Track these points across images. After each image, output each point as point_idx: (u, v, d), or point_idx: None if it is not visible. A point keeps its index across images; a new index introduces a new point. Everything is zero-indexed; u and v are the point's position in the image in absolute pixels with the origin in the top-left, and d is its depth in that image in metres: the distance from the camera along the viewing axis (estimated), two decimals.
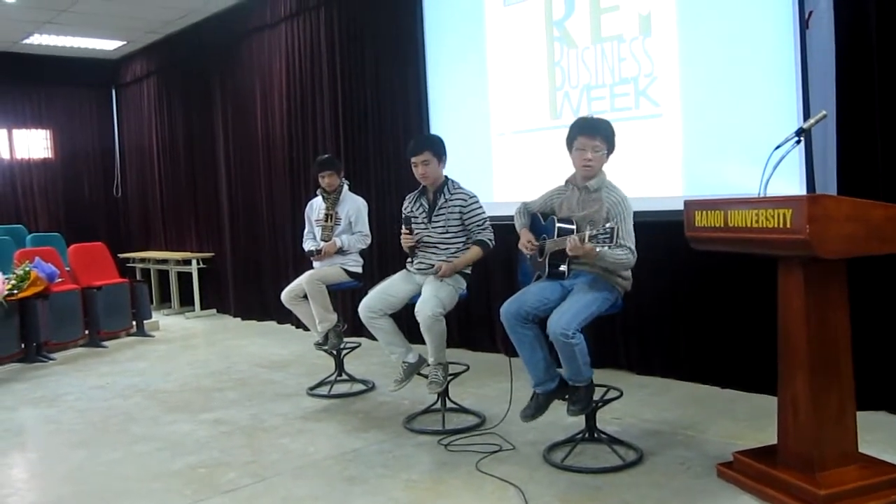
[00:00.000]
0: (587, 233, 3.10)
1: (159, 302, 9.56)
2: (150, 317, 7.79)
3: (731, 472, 3.13)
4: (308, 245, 5.08)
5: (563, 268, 3.45)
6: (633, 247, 3.34)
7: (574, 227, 3.39)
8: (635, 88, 4.64)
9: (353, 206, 5.00)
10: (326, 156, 5.35)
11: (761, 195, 2.97)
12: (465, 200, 4.10)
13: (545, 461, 3.46)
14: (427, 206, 4.15)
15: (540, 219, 3.64)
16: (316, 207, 5.11)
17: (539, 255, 3.56)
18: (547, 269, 3.51)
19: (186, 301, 9.16)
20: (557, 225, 3.46)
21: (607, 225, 3.07)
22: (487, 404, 4.37)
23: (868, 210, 2.73)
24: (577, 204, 3.50)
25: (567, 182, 3.61)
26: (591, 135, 3.43)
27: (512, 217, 3.81)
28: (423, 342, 4.00)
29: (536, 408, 3.50)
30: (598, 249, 3.09)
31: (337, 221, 4.97)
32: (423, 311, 3.87)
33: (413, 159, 4.10)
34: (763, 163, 2.99)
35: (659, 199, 4.45)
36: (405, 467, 3.52)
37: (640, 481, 3.20)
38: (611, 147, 3.48)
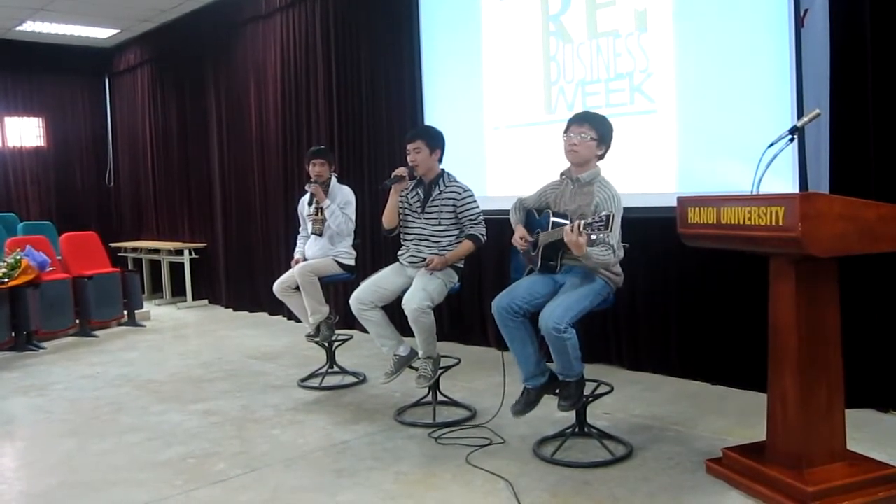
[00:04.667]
0: (583, 220, 3.10)
1: (151, 292, 9.54)
2: (142, 307, 7.78)
3: (719, 468, 3.15)
4: (297, 252, 5.13)
5: (554, 262, 3.46)
6: (615, 245, 3.29)
7: (568, 221, 3.38)
8: (630, 84, 4.65)
9: (343, 196, 4.99)
10: (321, 146, 5.35)
11: (754, 192, 2.97)
12: (459, 194, 4.10)
13: (535, 455, 3.47)
14: (421, 197, 4.15)
15: (535, 214, 3.64)
16: (306, 203, 5.11)
17: (532, 249, 3.56)
18: (539, 263, 3.51)
19: (178, 291, 9.14)
20: (552, 219, 3.46)
21: (602, 213, 3.06)
22: (478, 398, 4.37)
23: (860, 209, 2.74)
24: (570, 197, 3.50)
25: (561, 175, 3.61)
26: (580, 122, 3.48)
27: (505, 211, 3.80)
28: (414, 335, 4.00)
29: (527, 403, 3.51)
30: (586, 250, 3.09)
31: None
32: (409, 304, 3.87)
33: (407, 146, 4.14)
34: (756, 160, 2.99)
35: (652, 195, 4.46)
36: (395, 460, 3.52)
37: (630, 476, 3.22)
38: (602, 137, 3.46)
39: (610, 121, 3.54)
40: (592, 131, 3.45)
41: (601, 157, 3.52)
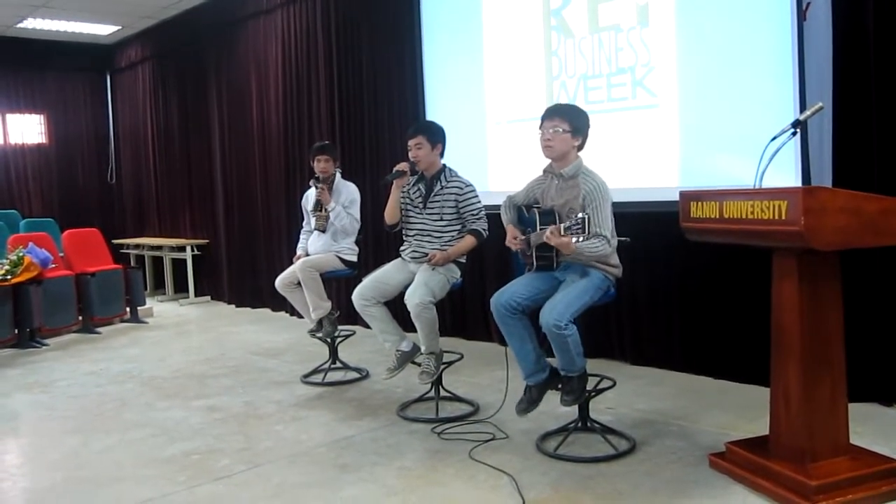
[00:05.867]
0: (562, 225, 3.11)
1: (153, 288, 9.55)
2: (144, 303, 7.79)
3: (723, 463, 3.15)
4: (299, 248, 5.14)
5: (550, 259, 3.44)
6: (608, 235, 3.30)
7: (556, 217, 3.37)
8: (632, 78, 4.63)
9: (347, 194, 4.98)
10: (325, 142, 5.36)
11: (757, 187, 2.97)
12: (461, 189, 4.10)
13: (538, 450, 3.48)
14: (423, 192, 4.15)
15: (524, 211, 3.63)
16: (311, 198, 5.10)
17: (527, 249, 3.55)
18: (535, 263, 3.50)
19: (180, 288, 9.15)
20: (539, 217, 3.45)
21: (580, 215, 3.06)
22: (481, 393, 4.38)
23: (863, 202, 2.73)
24: (556, 192, 3.50)
25: (545, 171, 3.61)
26: (551, 116, 3.46)
27: None
28: (416, 331, 4.00)
29: (530, 401, 3.50)
30: (573, 245, 3.09)
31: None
32: (411, 299, 3.88)
33: (408, 142, 4.14)
34: (759, 154, 2.99)
35: (654, 190, 4.45)
36: (398, 455, 3.52)
37: (633, 471, 3.22)
38: (576, 127, 3.43)
39: (584, 110, 3.52)
40: (565, 123, 3.42)
41: (579, 147, 3.49)
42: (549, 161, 3.55)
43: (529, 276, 3.54)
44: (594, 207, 3.30)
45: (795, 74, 3.89)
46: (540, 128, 3.49)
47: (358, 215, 4.99)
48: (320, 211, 4.95)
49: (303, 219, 5.26)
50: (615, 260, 3.49)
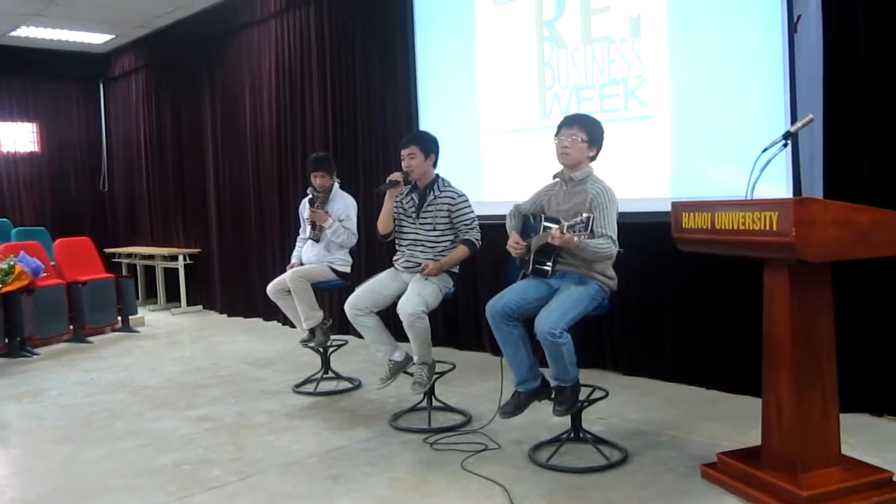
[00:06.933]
0: (566, 223, 3.13)
1: (145, 298, 9.52)
2: (136, 312, 7.76)
3: (715, 473, 3.15)
4: (294, 256, 5.13)
5: (547, 266, 3.46)
6: (614, 237, 3.35)
7: (557, 223, 3.39)
8: (624, 90, 4.66)
9: (343, 205, 4.98)
10: (321, 154, 5.33)
11: (748, 198, 2.98)
12: (454, 199, 4.11)
13: (530, 460, 3.47)
14: (416, 202, 4.16)
15: (530, 219, 3.66)
16: (308, 206, 5.10)
17: (525, 254, 3.57)
18: (531, 267, 3.52)
19: (172, 297, 9.12)
20: (543, 223, 3.47)
21: (584, 215, 3.10)
22: (473, 403, 4.37)
23: (854, 214, 2.75)
24: (564, 197, 3.53)
25: (555, 177, 3.64)
26: (570, 125, 3.52)
27: (500, 216, 3.81)
28: (409, 340, 4.00)
29: (516, 405, 3.51)
30: (576, 239, 3.11)
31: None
32: (404, 309, 3.88)
33: (402, 152, 4.14)
34: (750, 165, 3.00)
35: (646, 201, 4.46)
36: (390, 466, 3.51)
37: (625, 481, 3.21)
38: (593, 138, 3.49)
39: (600, 121, 3.57)
40: (583, 133, 3.47)
41: (593, 158, 3.54)
42: (559, 168, 3.59)
43: (525, 283, 3.55)
44: (600, 210, 3.35)
45: (786, 86, 3.92)
46: (556, 135, 3.53)
47: (354, 228, 4.98)
48: (314, 228, 4.95)
49: (300, 226, 5.25)
50: (611, 272, 3.51)
